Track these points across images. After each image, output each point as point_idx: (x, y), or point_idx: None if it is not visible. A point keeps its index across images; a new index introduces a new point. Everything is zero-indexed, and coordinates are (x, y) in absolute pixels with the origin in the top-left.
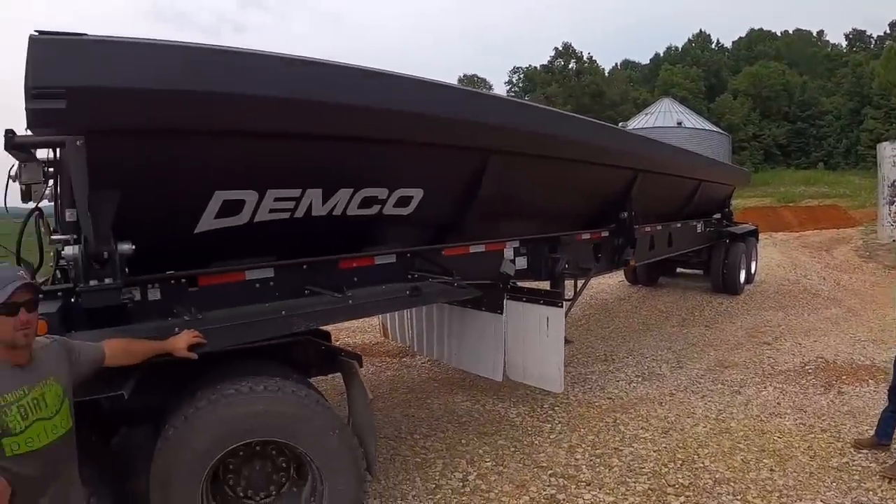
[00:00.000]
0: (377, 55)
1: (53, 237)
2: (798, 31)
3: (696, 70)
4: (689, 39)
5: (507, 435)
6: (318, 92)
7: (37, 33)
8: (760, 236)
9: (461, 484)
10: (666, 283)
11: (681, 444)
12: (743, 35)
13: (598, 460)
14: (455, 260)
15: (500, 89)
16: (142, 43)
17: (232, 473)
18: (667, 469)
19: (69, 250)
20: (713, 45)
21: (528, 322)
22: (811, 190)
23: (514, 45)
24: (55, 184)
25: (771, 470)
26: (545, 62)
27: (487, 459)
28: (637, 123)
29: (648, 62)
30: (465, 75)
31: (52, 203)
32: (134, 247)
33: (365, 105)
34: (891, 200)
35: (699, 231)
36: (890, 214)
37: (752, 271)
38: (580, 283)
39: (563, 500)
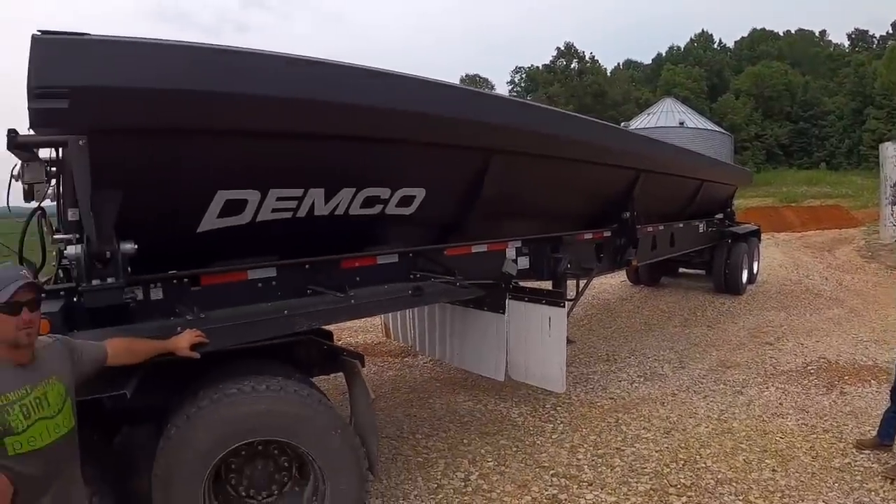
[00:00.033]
0: (379, 55)
1: (56, 237)
2: (800, 30)
3: (698, 70)
4: (691, 39)
5: (509, 435)
6: (320, 92)
7: (39, 33)
8: (763, 236)
9: (463, 484)
10: (668, 283)
11: (683, 445)
12: (745, 35)
13: (600, 460)
14: (457, 260)
15: (502, 89)
16: (144, 42)
17: (234, 473)
18: (669, 469)
19: (71, 250)
20: (715, 45)
21: (531, 322)
22: (813, 190)
23: (516, 45)
24: (58, 183)
25: (773, 470)
26: (547, 62)
27: (489, 459)
28: (639, 123)
29: (650, 62)
30: (467, 75)
31: (55, 202)
32: (136, 246)
33: (367, 105)
34: (893, 201)
35: (701, 231)
36: (892, 215)
37: (755, 271)
38: (582, 283)
39: (565, 500)
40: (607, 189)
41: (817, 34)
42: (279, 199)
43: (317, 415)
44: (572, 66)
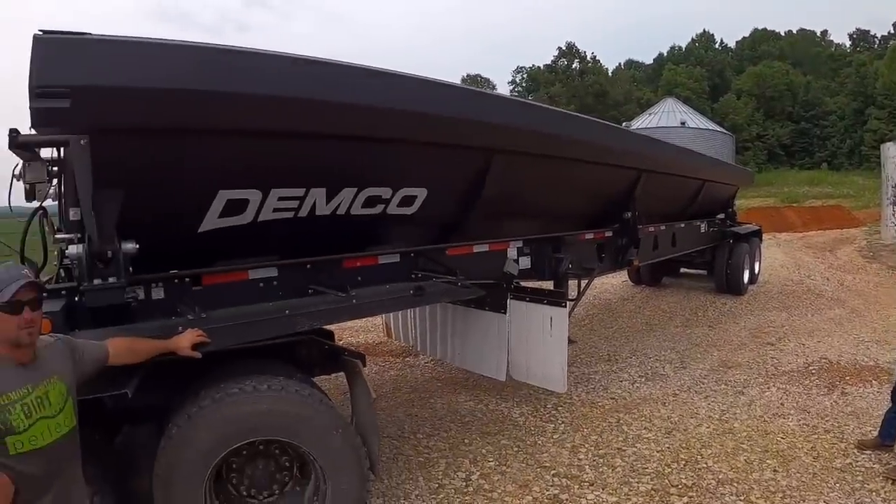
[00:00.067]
0: (381, 55)
1: (57, 236)
2: (802, 30)
3: (699, 70)
4: (692, 39)
5: (511, 435)
6: (322, 91)
7: (41, 32)
8: (764, 236)
9: (464, 483)
10: (669, 284)
11: (684, 445)
12: (746, 35)
13: (601, 460)
14: (459, 259)
15: (503, 89)
16: (146, 42)
17: (235, 472)
18: (670, 469)
19: (73, 249)
20: (717, 45)
21: (532, 322)
22: (815, 190)
23: (517, 45)
24: (59, 183)
25: (774, 471)
26: (549, 62)
27: (490, 459)
28: (640, 123)
29: (652, 62)
30: (468, 75)
31: (56, 202)
32: (138, 246)
33: (369, 104)
34: (894, 201)
35: (703, 231)
36: (893, 215)
37: (756, 272)
38: (584, 283)
39: (567, 500)
40: (609, 189)
41: (819, 34)
42: (281, 198)
43: (318, 414)
44: (574, 66)
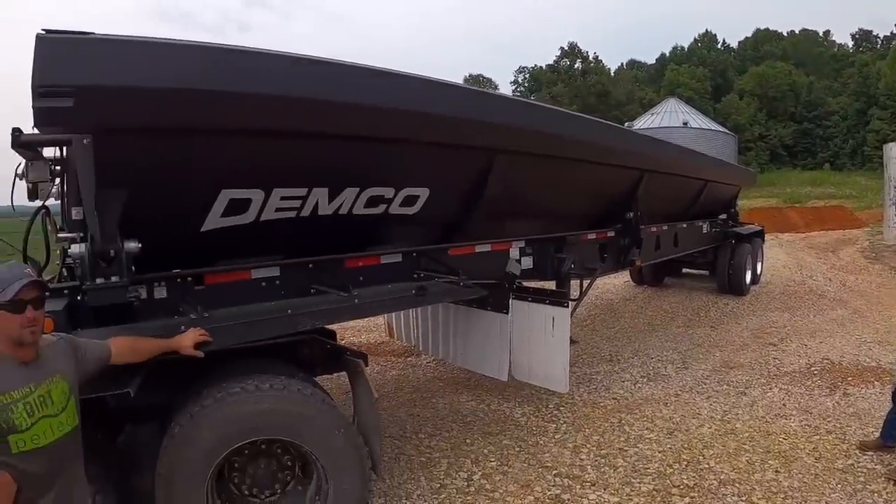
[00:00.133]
0: (382, 54)
1: (60, 235)
2: (804, 31)
3: (702, 70)
4: (694, 39)
5: (512, 435)
6: (324, 91)
7: (44, 32)
8: (766, 237)
9: (466, 483)
10: (671, 284)
11: (686, 445)
12: (749, 35)
13: (602, 461)
14: (461, 259)
15: (505, 89)
16: (149, 42)
17: (237, 472)
18: (672, 470)
19: (75, 248)
20: (719, 45)
21: (534, 322)
22: (817, 191)
23: (519, 45)
24: (62, 182)
25: (776, 471)
26: (551, 62)
27: (492, 459)
28: (643, 123)
29: (654, 62)
30: (470, 75)
31: (59, 201)
32: (140, 245)
33: (371, 104)
34: None
35: (705, 231)
36: None
37: (758, 272)
38: (586, 283)
39: (568, 500)
40: (611, 189)
41: (821, 34)
42: (283, 198)
43: (320, 414)
44: (576, 66)
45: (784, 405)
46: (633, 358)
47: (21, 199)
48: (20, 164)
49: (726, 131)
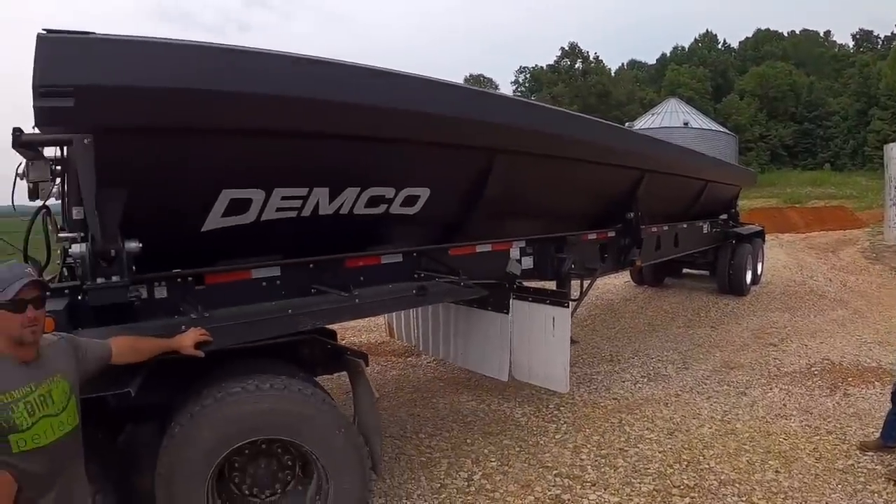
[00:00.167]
0: (382, 54)
1: (60, 235)
2: (805, 31)
3: (702, 70)
4: (695, 39)
5: (513, 435)
6: (325, 91)
7: (45, 32)
8: (767, 237)
9: (466, 483)
10: (672, 284)
11: (686, 445)
12: (749, 35)
13: (603, 461)
14: (461, 259)
15: (506, 89)
16: (149, 42)
17: (237, 471)
18: (672, 470)
19: (76, 248)
20: (720, 46)
21: (534, 322)
22: (817, 191)
23: (520, 45)
24: (62, 182)
25: (776, 471)
26: (551, 62)
27: (492, 459)
28: (643, 123)
29: (655, 62)
30: (471, 75)
31: (60, 201)
32: (141, 245)
33: (372, 104)
34: None
35: (705, 232)
36: None
37: (759, 272)
38: (586, 283)
39: (568, 500)
40: (611, 189)
41: (822, 34)
42: (284, 198)
43: (320, 414)
44: (576, 66)
45: (784, 405)
46: (633, 358)
47: (22, 198)
48: (21, 163)
49: (727, 131)
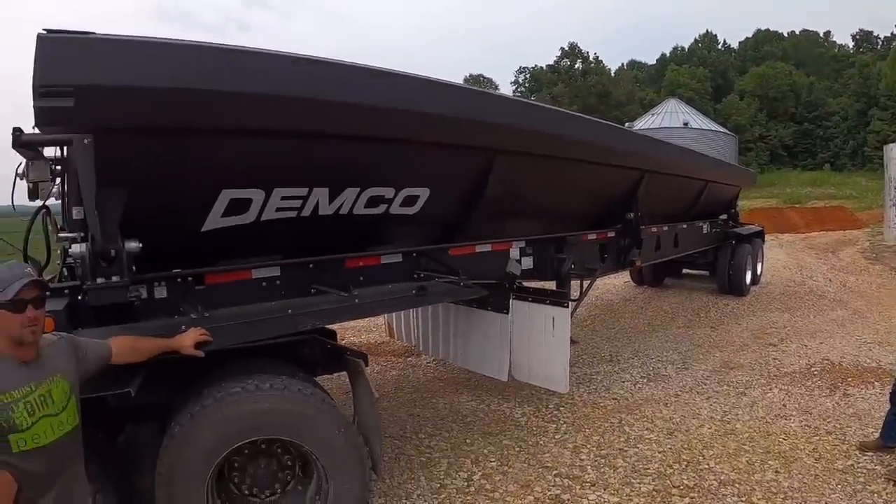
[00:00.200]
0: (382, 54)
1: (60, 235)
2: (805, 31)
3: (702, 70)
4: (695, 40)
5: (512, 435)
6: (324, 91)
7: (45, 32)
8: (766, 237)
9: (466, 483)
10: (671, 284)
11: (686, 446)
12: (749, 35)
13: (602, 461)
14: (461, 259)
15: (506, 89)
16: (149, 42)
17: (237, 471)
18: (672, 470)
19: (76, 248)
20: (720, 46)
21: (534, 322)
22: (817, 191)
23: (520, 45)
24: (62, 182)
25: (776, 472)
26: (551, 62)
27: (492, 459)
28: (643, 124)
29: (655, 62)
30: (470, 75)
31: (60, 201)
32: (141, 245)
33: (371, 104)
34: None
35: (705, 232)
36: None
37: (758, 272)
38: (586, 283)
39: (568, 500)
40: (611, 189)
41: (822, 35)
42: (284, 198)
43: (320, 414)
44: (576, 66)
45: (784, 406)
46: (633, 358)
47: (21, 198)
48: (21, 163)
49: (727, 132)
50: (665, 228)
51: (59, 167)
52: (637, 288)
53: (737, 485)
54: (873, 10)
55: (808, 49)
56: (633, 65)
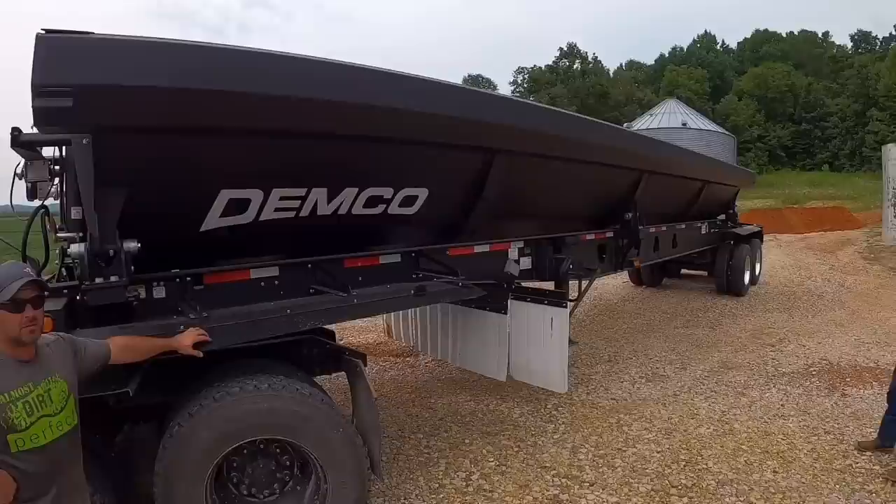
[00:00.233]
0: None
1: (59, 235)
2: (803, 31)
3: (700, 71)
4: (694, 40)
5: (511, 435)
6: (324, 91)
7: (43, 32)
8: (765, 238)
9: (464, 483)
10: (670, 285)
11: (684, 446)
12: (748, 36)
13: (601, 461)
14: (460, 260)
15: (504, 89)
16: (148, 42)
17: (236, 471)
18: (670, 470)
19: (75, 248)
20: (718, 46)
21: (533, 322)
22: (816, 192)
23: (519, 46)
24: (61, 181)
25: (774, 472)
26: (550, 62)
27: (491, 459)
28: (642, 124)
29: (653, 63)
30: (469, 75)
31: (58, 201)
32: (139, 245)
33: (370, 104)
34: (895, 202)
35: (704, 232)
36: (894, 217)
37: (757, 273)
38: (584, 283)
39: (567, 500)
40: (610, 190)
41: (820, 35)
42: (282, 198)
43: (319, 414)
44: (575, 66)
45: (782, 406)
46: (631, 358)
47: (20, 198)
48: (19, 163)
49: (725, 132)
50: (664, 229)
51: (57, 167)
52: (636, 288)
53: (735, 484)
54: (873, 11)
55: (806, 49)
56: (632, 65)
